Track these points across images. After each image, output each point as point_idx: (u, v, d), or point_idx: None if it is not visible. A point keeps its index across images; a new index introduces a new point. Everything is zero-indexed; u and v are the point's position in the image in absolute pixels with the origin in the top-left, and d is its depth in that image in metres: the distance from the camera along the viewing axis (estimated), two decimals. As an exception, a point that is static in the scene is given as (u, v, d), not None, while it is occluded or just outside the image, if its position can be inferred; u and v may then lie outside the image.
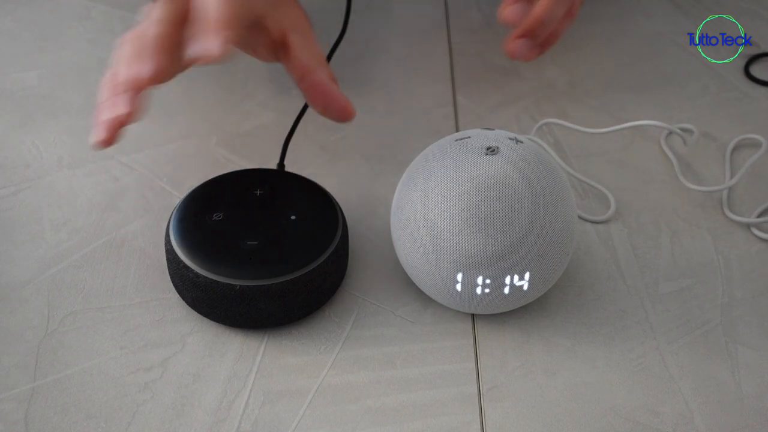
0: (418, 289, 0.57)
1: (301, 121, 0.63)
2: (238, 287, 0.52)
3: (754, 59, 0.79)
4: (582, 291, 0.58)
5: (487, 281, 0.52)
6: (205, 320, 0.55)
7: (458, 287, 0.53)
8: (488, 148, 0.53)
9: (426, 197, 0.52)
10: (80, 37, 0.80)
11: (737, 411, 0.51)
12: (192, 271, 0.53)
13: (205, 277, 0.52)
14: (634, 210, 0.64)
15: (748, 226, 0.63)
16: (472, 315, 0.56)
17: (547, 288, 0.55)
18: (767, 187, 0.66)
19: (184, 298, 0.55)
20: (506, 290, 0.53)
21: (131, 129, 0.70)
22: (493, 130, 0.55)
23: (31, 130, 0.69)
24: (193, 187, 0.58)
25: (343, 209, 0.59)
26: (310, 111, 0.63)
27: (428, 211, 0.52)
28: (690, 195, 0.65)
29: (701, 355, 0.54)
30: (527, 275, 0.52)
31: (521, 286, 0.53)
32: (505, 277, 0.52)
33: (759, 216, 0.63)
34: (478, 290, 0.53)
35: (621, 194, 0.65)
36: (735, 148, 0.69)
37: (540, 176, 0.52)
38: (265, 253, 0.54)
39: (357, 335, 0.55)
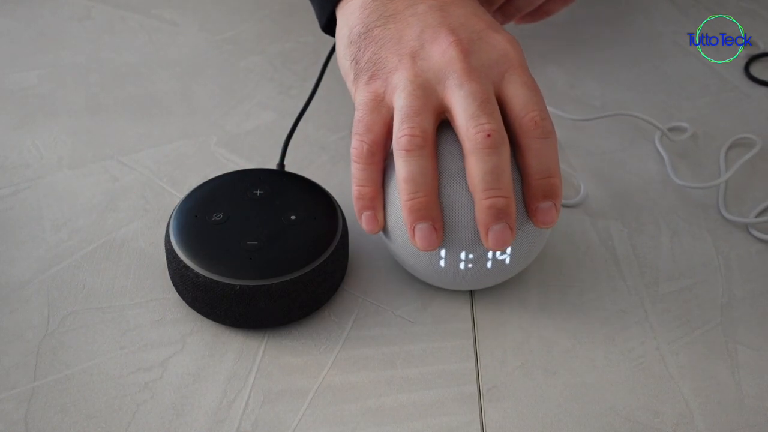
0: (418, 289, 0.57)
1: (301, 121, 0.63)
2: (238, 287, 0.52)
3: (754, 59, 0.79)
4: (582, 291, 0.58)
5: (470, 256, 0.53)
6: (205, 320, 0.55)
7: (442, 263, 0.53)
8: None
9: None
10: (80, 37, 0.80)
11: (737, 411, 0.51)
12: (192, 271, 0.53)
13: (205, 277, 0.52)
14: (634, 210, 0.64)
15: (746, 226, 0.63)
16: (472, 315, 0.56)
17: (528, 262, 0.56)
18: (765, 187, 0.66)
19: (184, 298, 0.55)
20: (489, 264, 0.53)
21: (131, 129, 0.70)
22: None
23: (31, 130, 0.69)
24: (193, 187, 0.58)
25: (343, 209, 0.59)
26: (310, 111, 0.63)
27: None
28: (690, 195, 0.65)
29: (701, 355, 0.54)
30: (509, 249, 0.53)
31: (503, 260, 0.54)
32: (488, 251, 0.53)
33: (757, 216, 0.63)
34: (462, 265, 0.53)
35: (620, 194, 0.65)
36: (731, 147, 0.69)
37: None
38: (265, 253, 0.54)
39: (357, 335, 0.55)
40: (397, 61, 0.52)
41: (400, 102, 0.51)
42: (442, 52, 0.51)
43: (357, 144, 0.53)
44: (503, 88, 0.52)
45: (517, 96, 0.51)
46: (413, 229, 0.51)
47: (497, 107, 0.51)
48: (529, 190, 0.52)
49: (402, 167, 0.51)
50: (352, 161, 0.53)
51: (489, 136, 0.49)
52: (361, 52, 0.54)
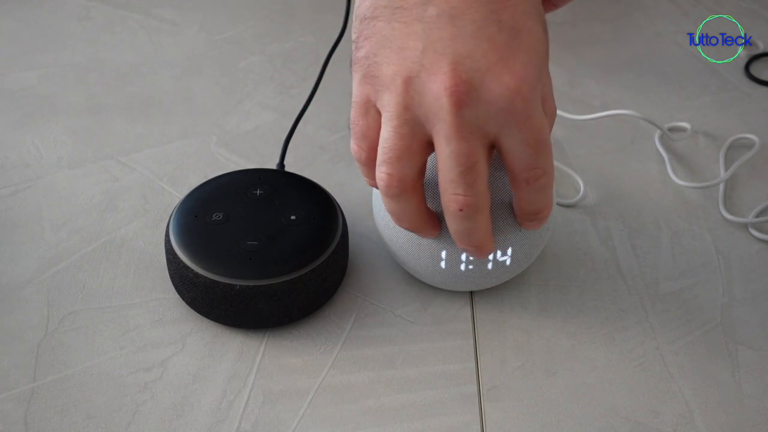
0: (418, 289, 0.57)
1: (301, 121, 0.63)
2: (238, 287, 0.52)
3: (754, 59, 0.79)
4: (582, 291, 0.58)
5: (471, 258, 0.53)
6: (205, 320, 0.55)
7: (443, 264, 0.53)
8: None
9: None
10: (80, 37, 0.80)
11: (737, 411, 0.51)
12: (192, 271, 0.53)
13: (205, 277, 0.52)
14: (634, 210, 0.64)
15: (746, 226, 0.63)
16: (472, 315, 0.56)
17: (528, 262, 0.56)
18: (765, 187, 0.66)
19: (183, 298, 0.55)
20: (489, 266, 0.54)
21: (131, 129, 0.70)
22: None
23: (31, 130, 0.69)
24: (193, 187, 0.58)
25: (343, 209, 0.59)
26: (310, 111, 0.63)
27: None
28: (690, 195, 0.65)
29: (701, 355, 0.54)
30: (509, 251, 0.53)
31: (504, 262, 0.54)
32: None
33: (757, 216, 0.63)
34: (462, 267, 0.53)
35: (620, 194, 0.65)
36: (731, 147, 0.69)
37: None
38: (265, 253, 0.54)
39: (357, 335, 0.55)
40: (391, 77, 0.47)
41: (385, 133, 0.48)
42: (435, 97, 0.45)
43: (356, 150, 0.51)
44: (500, 140, 0.47)
45: (512, 154, 0.47)
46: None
47: (482, 172, 0.47)
48: (518, 217, 0.52)
49: (386, 205, 0.51)
50: (359, 164, 0.52)
51: (461, 209, 0.47)
52: (361, 39, 0.49)
